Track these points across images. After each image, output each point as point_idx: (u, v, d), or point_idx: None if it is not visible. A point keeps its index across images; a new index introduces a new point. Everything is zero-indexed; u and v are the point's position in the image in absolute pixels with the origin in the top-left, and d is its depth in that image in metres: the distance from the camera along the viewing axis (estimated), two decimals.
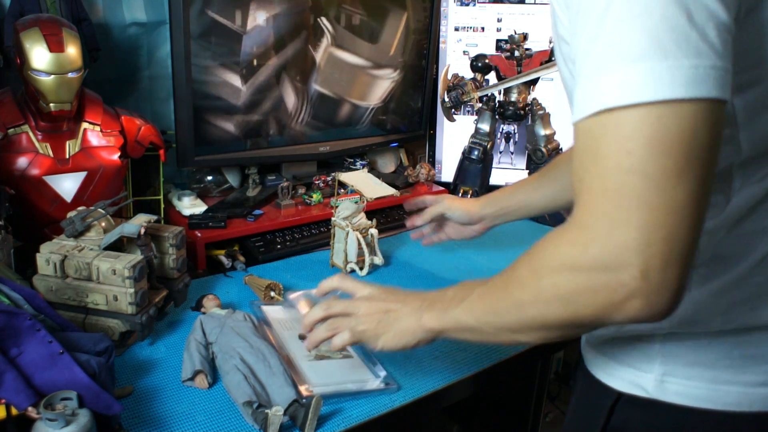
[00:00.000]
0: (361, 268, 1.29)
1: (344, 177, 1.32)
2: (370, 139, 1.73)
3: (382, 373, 0.97)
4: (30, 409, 0.72)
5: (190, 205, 1.43)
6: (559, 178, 1.07)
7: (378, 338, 0.79)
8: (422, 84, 1.79)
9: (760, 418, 0.69)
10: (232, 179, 1.56)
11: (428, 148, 1.90)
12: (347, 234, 1.28)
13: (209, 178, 1.53)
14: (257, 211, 1.45)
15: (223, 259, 1.33)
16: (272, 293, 1.19)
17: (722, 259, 0.67)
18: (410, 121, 1.81)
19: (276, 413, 0.82)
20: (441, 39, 1.79)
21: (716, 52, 0.51)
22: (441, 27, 1.79)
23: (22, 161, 1.12)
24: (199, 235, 1.32)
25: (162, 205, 1.37)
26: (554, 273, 0.58)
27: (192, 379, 0.93)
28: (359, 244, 1.27)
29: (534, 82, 1.59)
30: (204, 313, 1.06)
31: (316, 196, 1.52)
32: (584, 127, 0.54)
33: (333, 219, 1.32)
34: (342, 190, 1.35)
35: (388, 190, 1.30)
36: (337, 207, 1.32)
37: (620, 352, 0.75)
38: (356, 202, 1.30)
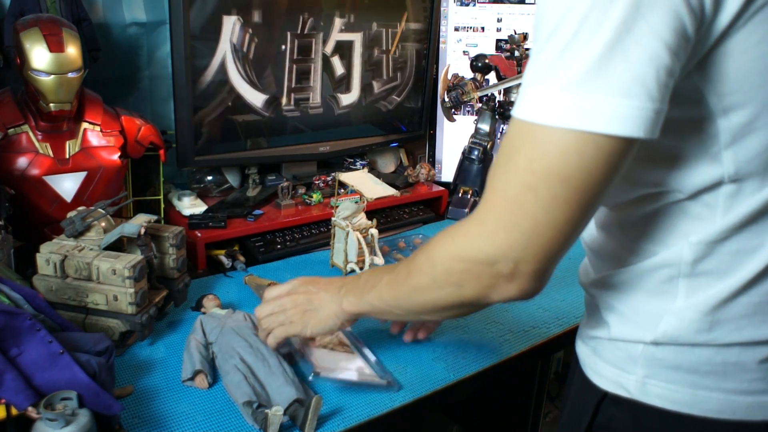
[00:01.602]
0: (361, 268, 1.29)
1: (344, 177, 1.32)
2: (370, 139, 1.72)
3: (384, 372, 0.97)
4: (30, 409, 0.72)
5: (190, 205, 1.43)
6: None
7: (306, 326, 0.90)
8: (422, 84, 1.79)
9: (743, 427, 0.68)
10: (232, 179, 1.56)
11: (428, 148, 1.90)
12: (347, 234, 1.28)
13: (209, 178, 1.53)
14: (257, 211, 1.45)
15: (223, 259, 1.33)
16: None
17: (710, 274, 0.67)
18: (410, 121, 1.81)
19: (276, 413, 0.82)
20: (441, 39, 1.79)
21: (648, 94, 0.54)
22: (441, 27, 1.79)
23: (22, 161, 1.12)
24: (199, 235, 1.32)
25: (162, 205, 1.37)
26: (447, 261, 0.68)
27: (192, 379, 0.93)
28: (359, 244, 1.27)
29: None
30: (204, 313, 1.06)
31: (316, 196, 1.52)
32: (511, 127, 0.61)
33: (333, 219, 1.32)
34: (342, 190, 1.35)
35: (388, 190, 1.30)
36: (337, 207, 1.32)
37: (607, 352, 0.76)
38: (356, 202, 1.30)
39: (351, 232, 1.27)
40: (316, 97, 1.27)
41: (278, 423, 0.82)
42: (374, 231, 1.30)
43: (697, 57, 0.57)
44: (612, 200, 0.73)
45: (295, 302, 0.92)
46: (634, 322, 0.73)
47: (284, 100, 1.32)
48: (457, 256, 0.67)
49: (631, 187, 0.69)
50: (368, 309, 0.84)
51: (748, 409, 0.68)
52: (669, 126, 0.58)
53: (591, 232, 0.79)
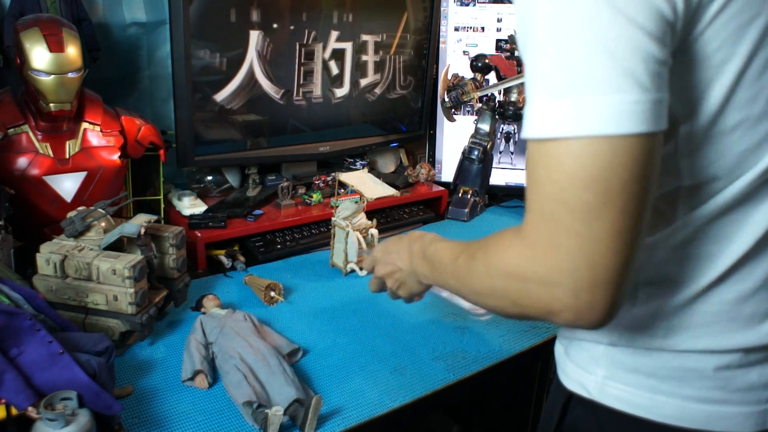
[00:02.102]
0: (361, 269, 1.29)
1: (344, 177, 1.32)
2: (370, 139, 1.72)
3: None
4: (30, 409, 0.72)
5: (190, 205, 1.43)
6: None
7: (400, 293, 0.95)
8: (422, 84, 1.79)
9: None
10: (232, 179, 1.56)
11: (428, 148, 1.90)
12: (347, 234, 1.28)
13: (209, 178, 1.53)
14: (257, 211, 1.45)
15: (223, 259, 1.33)
16: (272, 293, 1.19)
17: (667, 280, 0.67)
18: (410, 121, 1.81)
19: (276, 413, 0.82)
20: (441, 39, 1.79)
21: (641, 86, 0.52)
22: (441, 27, 1.79)
23: (22, 161, 1.12)
24: (199, 235, 1.32)
25: (162, 205, 1.37)
26: (504, 277, 0.63)
27: (192, 379, 0.93)
28: (359, 244, 1.27)
29: None
30: (204, 313, 1.06)
31: (316, 196, 1.52)
32: (527, 150, 0.58)
33: (333, 219, 1.32)
34: (342, 190, 1.35)
35: (388, 190, 1.30)
36: (337, 207, 1.31)
37: (574, 352, 0.76)
38: (356, 202, 1.30)
39: (351, 232, 1.27)
40: (317, 91, 1.42)
41: (278, 423, 0.82)
42: (374, 231, 1.30)
43: (675, 47, 0.56)
44: None
45: (388, 273, 0.95)
46: None
47: (294, 93, 1.43)
48: (514, 274, 0.61)
49: None
50: (439, 285, 0.83)
51: (707, 418, 0.68)
52: None
53: None
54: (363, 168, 1.64)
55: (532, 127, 0.56)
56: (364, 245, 1.27)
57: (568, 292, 0.56)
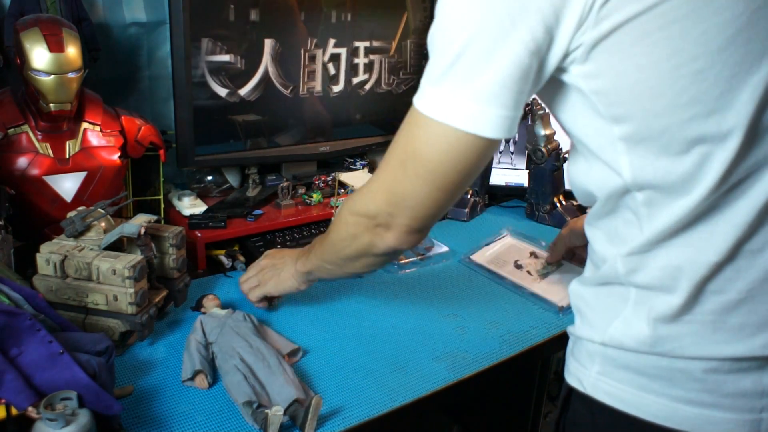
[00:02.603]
0: None
1: (344, 177, 1.32)
2: (370, 139, 1.72)
3: None
4: (30, 409, 0.72)
5: (190, 205, 1.43)
6: None
7: (270, 285, 1.08)
8: None
9: None
10: (232, 179, 1.56)
11: None
12: None
13: (209, 178, 1.53)
14: (257, 211, 1.45)
15: (223, 259, 1.33)
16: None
17: (649, 289, 0.69)
18: None
19: (276, 413, 0.82)
20: None
21: (503, 104, 0.65)
22: None
23: (22, 161, 1.12)
24: (199, 235, 1.32)
25: (162, 205, 1.37)
26: (346, 215, 0.85)
27: (192, 379, 0.93)
28: None
29: None
30: (204, 313, 1.06)
31: (316, 196, 1.52)
32: (410, 110, 0.73)
33: (333, 219, 1.32)
34: (342, 190, 1.35)
35: None
36: (337, 207, 1.31)
37: (576, 348, 0.79)
38: None
39: None
40: (318, 87, 1.52)
41: (278, 423, 0.82)
42: None
43: (551, 74, 0.66)
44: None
45: (263, 266, 1.10)
46: (590, 322, 0.75)
47: (300, 89, 1.50)
48: (351, 210, 0.83)
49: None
50: (312, 267, 0.99)
51: (695, 420, 0.68)
52: (587, 129, 0.67)
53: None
54: (363, 168, 1.64)
55: (417, 96, 0.70)
56: None
57: (386, 219, 0.78)
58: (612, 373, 0.72)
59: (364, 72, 1.60)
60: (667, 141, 0.63)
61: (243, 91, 1.42)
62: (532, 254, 1.37)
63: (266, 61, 1.42)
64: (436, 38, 0.68)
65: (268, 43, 1.41)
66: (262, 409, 0.84)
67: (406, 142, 0.73)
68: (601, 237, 0.74)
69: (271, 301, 1.14)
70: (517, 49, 0.62)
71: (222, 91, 1.39)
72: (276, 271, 1.07)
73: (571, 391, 0.78)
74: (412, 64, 1.74)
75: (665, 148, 0.63)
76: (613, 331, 0.71)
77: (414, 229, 0.78)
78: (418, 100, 0.69)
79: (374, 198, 0.79)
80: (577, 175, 0.75)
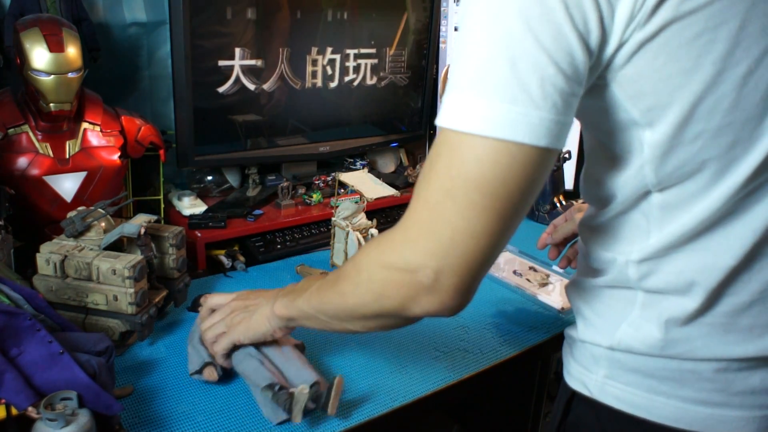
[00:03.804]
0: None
1: (344, 177, 1.32)
2: (370, 139, 1.73)
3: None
4: (30, 409, 0.72)
5: (190, 205, 1.43)
6: None
7: (240, 331, 0.89)
8: (422, 84, 1.79)
9: None
10: (232, 179, 1.56)
11: (428, 148, 1.90)
12: (347, 234, 1.28)
13: (209, 178, 1.53)
14: (257, 211, 1.45)
15: (223, 259, 1.33)
16: None
17: (661, 293, 0.68)
18: (410, 121, 1.81)
19: (302, 391, 0.81)
20: (441, 39, 1.79)
21: (533, 102, 0.55)
22: (441, 27, 1.79)
23: (22, 161, 1.12)
24: (199, 235, 1.32)
25: (162, 205, 1.37)
26: (370, 268, 0.66)
27: (200, 371, 0.92)
28: (359, 244, 1.27)
29: None
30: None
31: (316, 196, 1.52)
32: (437, 135, 0.61)
33: (333, 219, 1.32)
34: (342, 190, 1.36)
35: (388, 190, 1.30)
36: (337, 207, 1.32)
37: (577, 351, 0.78)
38: (356, 202, 1.30)
39: (351, 232, 1.27)
40: (318, 83, 1.54)
41: (304, 401, 0.81)
42: (374, 231, 1.30)
43: (595, 76, 0.60)
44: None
45: (232, 309, 0.92)
46: (595, 326, 0.74)
47: (307, 84, 1.53)
48: (381, 262, 0.65)
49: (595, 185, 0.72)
50: (296, 313, 0.81)
51: (705, 420, 0.68)
52: (609, 132, 0.63)
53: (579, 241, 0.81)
54: (363, 168, 1.64)
55: (444, 115, 0.59)
56: (364, 245, 1.27)
57: (431, 274, 0.60)
58: (620, 376, 0.72)
59: (353, 72, 1.64)
60: (701, 146, 0.61)
61: (267, 87, 1.48)
62: (531, 268, 1.37)
63: (283, 66, 1.49)
64: (466, 44, 0.58)
65: (284, 53, 1.48)
66: (285, 390, 0.83)
67: (449, 170, 0.58)
68: (605, 240, 0.72)
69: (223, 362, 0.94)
70: (568, 45, 0.55)
71: (251, 86, 1.46)
72: (247, 314, 0.89)
73: (574, 395, 0.77)
74: (410, 64, 1.75)
75: (697, 152, 0.62)
76: (621, 335, 0.71)
77: (463, 289, 0.61)
78: (454, 118, 0.58)
79: (415, 247, 0.61)
80: (592, 177, 0.72)
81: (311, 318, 0.79)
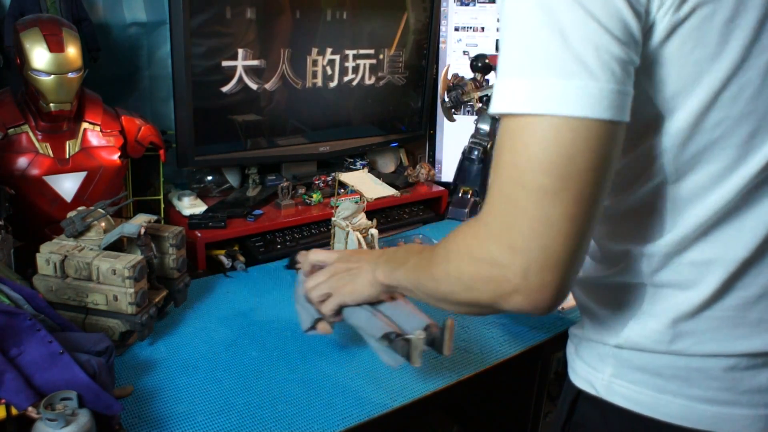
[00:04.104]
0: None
1: (344, 177, 1.32)
2: (370, 139, 1.72)
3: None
4: (30, 409, 0.72)
5: (190, 205, 1.43)
6: None
7: (345, 293, 0.91)
8: (422, 84, 1.79)
9: None
10: (232, 179, 1.56)
11: (428, 148, 1.90)
12: (347, 234, 1.28)
13: (209, 178, 1.53)
14: (257, 211, 1.45)
15: (223, 259, 1.33)
16: None
17: (671, 286, 0.68)
18: (410, 121, 1.81)
19: (419, 336, 0.84)
20: (441, 39, 1.79)
21: (590, 73, 0.53)
22: (441, 27, 1.79)
23: (22, 161, 1.12)
24: (199, 235, 1.32)
25: (162, 205, 1.37)
26: (459, 258, 0.65)
27: (313, 327, 0.96)
28: (359, 244, 1.27)
29: None
30: (299, 270, 1.04)
31: (316, 196, 1.52)
32: (499, 125, 0.59)
33: (333, 219, 1.32)
34: (342, 190, 1.35)
35: (388, 190, 1.30)
36: (337, 207, 1.32)
37: (583, 350, 0.77)
38: (356, 202, 1.30)
39: (351, 232, 1.27)
40: (318, 83, 1.55)
41: (421, 347, 0.83)
42: (374, 231, 1.30)
43: (641, 54, 0.58)
44: None
45: (336, 271, 0.93)
46: (602, 324, 0.74)
47: (307, 84, 1.53)
48: (469, 253, 0.63)
49: None
50: (396, 284, 0.83)
51: (713, 419, 0.68)
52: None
53: None
54: (363, 168, 1.64)
55: (493, 102, 0.58)
56: (364, 245, 1.27)
57: (518, 272, 0.57)
58: (627, 375, 0.71)
59: (353, 72, 1.64)
60: (720, 134, 0.60)
61: (269, 86, 1.49)
62: None
63: (284, 66, 1.50)
64: (510, 25, 0.57)
65: (283, 53, 1.48)
66: (400, 337, 0.85)
67: (514, 157, 0.56)
68: (617, 233, 0.71)
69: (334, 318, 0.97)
70: (617, 11, 0.53)
71: (253, 86, 1.46)
72: (351, 278, 0.91)
73: (579, 394, 0.77)
74: (409, 64, 1.75)
75: (716, 140, 0.61)
76: (628, 333, 0.70)
77: (552, 286, 0.58)
78: (510, 102, 0.56)
79: (499, 242, 0.59)
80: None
81: (410, 291, 0.80)
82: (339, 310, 0.93)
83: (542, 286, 0.58)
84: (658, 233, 0.67)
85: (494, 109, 0.58)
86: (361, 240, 1.27)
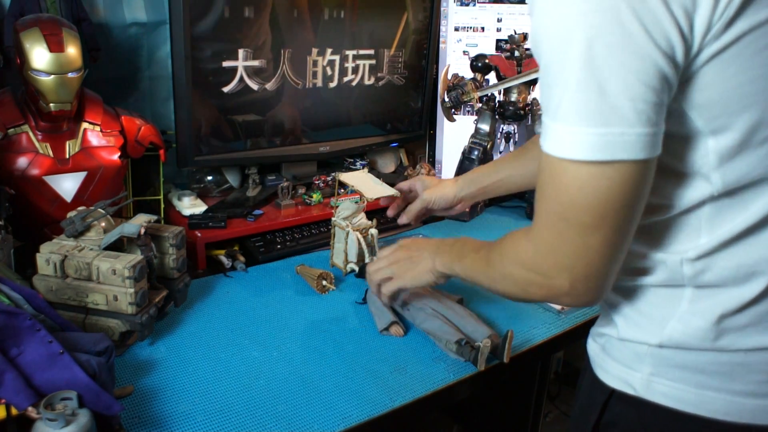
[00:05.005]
0: (356, 271, 1.29)
1: (344, 177, 1.32)
2: (370, 139, 1.73)
3: None
4: (30, 409, 0.72)
5: (190, 205, 1.43)
6: (537, 157, 1.09)
7: (407, 279, 1.02)
8: (422, 84, 1.79)
9: (748, 431, 0.68)
10: (232, 179, 1.56)
11: (428, 148, 1.90)
12: (347, 234, 1.28)
13: (209, 178, 1.53)
14: (257, 211, 1.45)
15: (223, 259, 1.33)
16: (324, 282, 1.23)
17: (714, 287, 0.68)
18: (410, 121, 1.81)
19: (486, 344, 0.97)
20: (441, 39, 1.79)
21: (626, 121, 0.58)
22: (441, 27, 1.79)
23: (22, 161, 1.12)
24: (199, 235, 1.32)
25: (162, 205, 1.37)
26: (513, 264, 0.75)
27: (387, 329, 1.08)
28: (359, 244, 1.27)
29: (534, 82, 1.59)
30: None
31: (316, 196, 1.52)
32: (542, 158, 0.65)
33: (333, 219, 1.32)
34: (342, 190, 1.35)
35: (388, 191, 1.30)
36: (337, 207, 1.32)
37: (615, 350, 0.77)
38: (356, 202, 1.30)
39: (351, 232, 1.27)
40: (319, 83, 1.57)
41: (486, 353, 0.97)
42: (374, 231, 1.30)
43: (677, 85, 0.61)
44: None
45: (398, 258, 1.04)
46: (640, 325, 0.74)
47: (308, 84, 1.55)
48: (521, 263, 0.73)
49: None
50: (455, 274, 0.94)
51: (754, 411, 0.68)
52: (665, 143, 0.62)
53: None
54: (363, 168, 1.64)
55: (546, 141, 0.64)
56: (364, 245, 1.27)
57: (566, 283, 0.67)
58: (667, 373, 0.72)
59: (353, 72, 1.64)
60: (762, 148, 0.63)
61: (269, 87, 1.50)
62: None
63: (285, 66, 1.50)
64: (552, 67, 0.61)
65: (286, 53, 1.49)
66: (468, 344, 1.00)
67: (557, 196, 0.64)
68: (655, 241, 0.71)
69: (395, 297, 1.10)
70: (654, 63, 0.57)
71: (255, 86, 1.47)
72: (412, 265, 1.01)
73: (612, 393, 0.77)
74: (409, 64, 1.75)
75: (765, 156, 0.63)
76: (670, 332, 0.70)
77: (596, 289, 0.68)
78: (553, 145, 0.62)
79: (546, 261, 0.68)
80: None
81: (466, 280, 0.91)
82: (397, 294, 1.07)
83: (587, 292, 0.68)
84: (698, 240, 0.68)
85: (549, 147, 0.63)
86: (361, 240, 1.27)
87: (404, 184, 1.30)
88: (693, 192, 0.66)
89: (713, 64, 0.59)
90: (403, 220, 1.27)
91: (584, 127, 0.59)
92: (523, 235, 0.73)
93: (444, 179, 1.26)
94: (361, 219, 1.31)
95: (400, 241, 1.08)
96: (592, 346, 0.82)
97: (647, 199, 0.68)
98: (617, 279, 0.76)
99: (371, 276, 1.07)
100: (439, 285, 1.01)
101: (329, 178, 1.57)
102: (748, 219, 0.65)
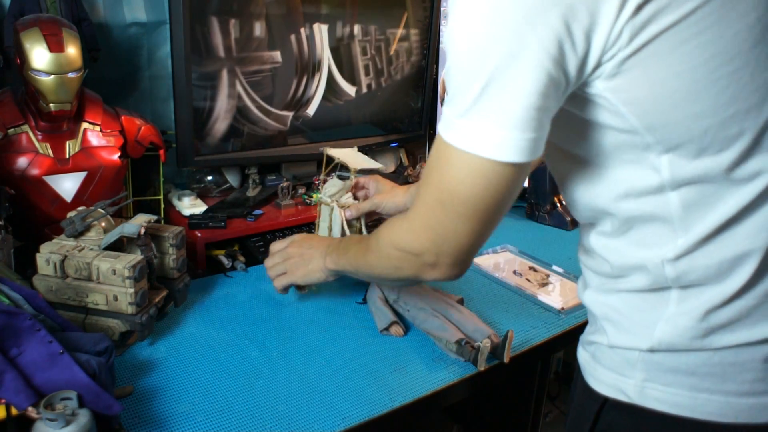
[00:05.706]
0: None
1: (331, 151, 1.30)
2: (370, 139, 1.73)
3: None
4: (30, 409, 0.72)
5: (190, 205, 1.43)
6: None
7: (299, 276, 1.10)
8: (422, 84, 1.79)
9: (745, 430, 0.68)
10: (232, 179, 1.56)
11: (428, 148, 1.90)
12: (332, 210, 1.24)
13: (209, 178, 1.53)
14: (257, 211, 1.45)
15: (223, 259, 1.33)
16: None
17: (698, 284, 0.68)
18: (410, 121, 1.82)
19: (486, 344, 0.98)
20: (441, 39, 1.79)
21: (516, 125, 0.62)
22: (441, 27, 1.79)
23: (22, 161, 1.12)
24: (199, 235, 1.32)
25: (162, 205, 1.37)
26: (388, 246, 0.84)
27: (387, 329, 1.08)
28: (342, 222, 1.23)
29: None
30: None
31: (316, 196, 1.52)
32: (435, 140, 0.71)
33: (319, 196, 1.27)
34: (328, 178, 1.32)
35: (373, 164, 1.28)
36: (324, 182, 1.29)
37: (606, 358, 0.77)
38: (344, 179, 1.28)
39: (336, 209, 1.23)
40: (316, 97, 1.55)
41: (486, 353, 0.98)
42: (361, 219, 1.27)
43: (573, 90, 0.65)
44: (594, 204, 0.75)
45: (291, 255, 1.11)
46: (629, 330, 0.74)
47: (284, 100, 1.51)
48: (394, 244, 0.82)
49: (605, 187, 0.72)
50: (342, 269, 1.02)
51: (750, 411, 0.68)
52: (610, 135, 0.66)
53: (585, 249, 0.81)
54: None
55: (440, 126, 0.69)
56: (345, 224, 1.23)
57: (432, 259, 0.77)
58: (660, 377, 0.71)
59: (369, 73, 1.64)
60: (709, 141, 0.63)
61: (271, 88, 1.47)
62: (531, 268, 1.37)
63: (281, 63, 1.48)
64: (454, 66, 0.65)
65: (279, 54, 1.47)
66: (468, 344, 1.01)
67: (440, 180, 0.70)
68: (631, 246, 0.72)
69: (302, 288, 1.18)
70: (541, 71, 0.60)
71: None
72: (304, 262, 1.08)
73: (605, 402, 0.76)
74: (410, 64, 1.75)
75: (705, 149, 0.64)
76: (660, 334, 0.71)
77: (459, 265, 0.78)
78: (446, 131, 0.67)
79: (418, 237, 0.77)
80: (587, 191, 0.74)
81: (353, 273, 1.00)
82: (288, 287, 1.13)
83: (452, 265, 0.77)
84: (680, 240, 0.68)
85: (443, 133, 0.68)
86: (343, 217, 1.23)
87: (361, 179, 1.28)
88: (643, 183, 0.68)
89: (631, 65, 0.61)
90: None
91: (478, 122, 0.63)
92: (401, 216, 0.82)
93: (397, 186, 1.25)
94: (348, 198, 1.27)
95: (293, 237, 1.13)
96: (582, 355, 0.82)
97: (596, 202, 0.73)
98: (603, 286, 0.77)
99: (268, 271, 1.14)
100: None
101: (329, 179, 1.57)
102: (720, 216, 0.65)
